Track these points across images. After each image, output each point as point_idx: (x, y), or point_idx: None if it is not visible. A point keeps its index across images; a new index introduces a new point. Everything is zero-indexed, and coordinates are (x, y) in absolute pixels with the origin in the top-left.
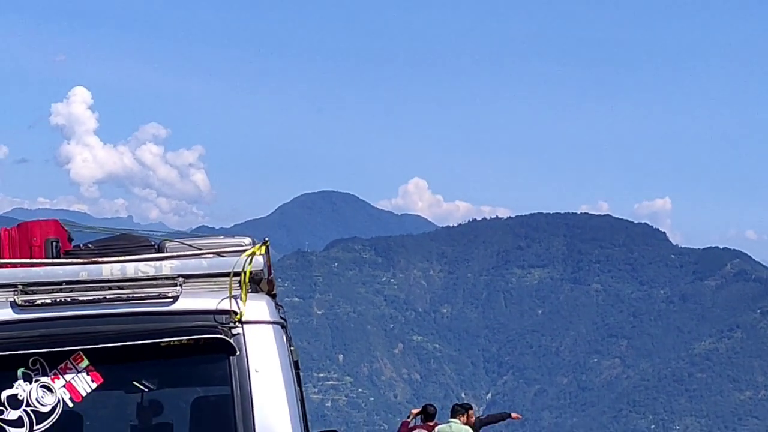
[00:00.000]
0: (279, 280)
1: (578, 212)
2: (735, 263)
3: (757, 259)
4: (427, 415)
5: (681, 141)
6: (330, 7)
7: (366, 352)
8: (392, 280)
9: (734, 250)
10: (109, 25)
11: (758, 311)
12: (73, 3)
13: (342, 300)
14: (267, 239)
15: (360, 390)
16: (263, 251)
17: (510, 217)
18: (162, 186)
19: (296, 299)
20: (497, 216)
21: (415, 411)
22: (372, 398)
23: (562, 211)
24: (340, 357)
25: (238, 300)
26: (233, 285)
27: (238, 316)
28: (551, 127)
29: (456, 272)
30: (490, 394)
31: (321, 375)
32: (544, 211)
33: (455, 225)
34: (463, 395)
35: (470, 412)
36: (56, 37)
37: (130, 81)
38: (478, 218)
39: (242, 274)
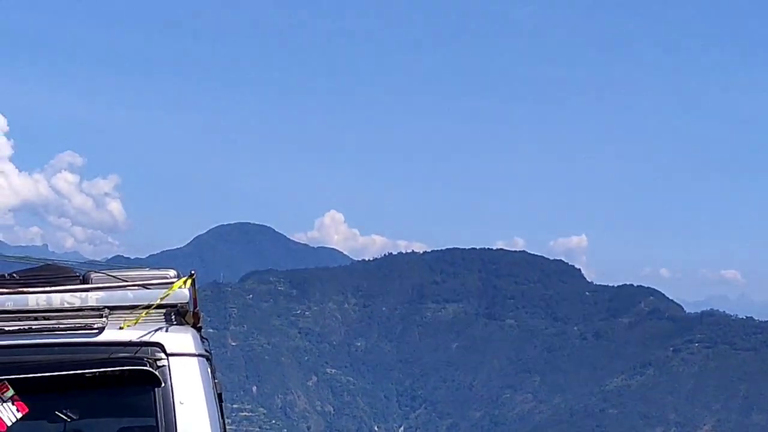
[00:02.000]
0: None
1: (494, 248)
2: (649, 301)
3: (670, 297)
4: None
5: (597, 178)
6: (244, 35)
7: (280, 383)
8: (307, 312)
9: (648, 287)
10: (23, 51)
11: (671, 349)
12: None
13: (256, 332)
14: (193, 272)
15: (273, 421)
16: (189, 284)
17: (426, 251)
18: (77, 214)
19: (211, 330)
20: (413, 250)
21: None
22: (285, 430)
23: (478, 247)
24: (254, 388)
25: (163, 332)
26: (158, 317)
27: (164, 348)
28: (468, 163)
29: (371, 306)
30: (402, 428)
31: (235, 406)
32: (460, 247)
33: (371, 259)
34: (375, 428)
35: None
36: None
37: (46, 108)
38: (395, 252)
39: (167, 307)
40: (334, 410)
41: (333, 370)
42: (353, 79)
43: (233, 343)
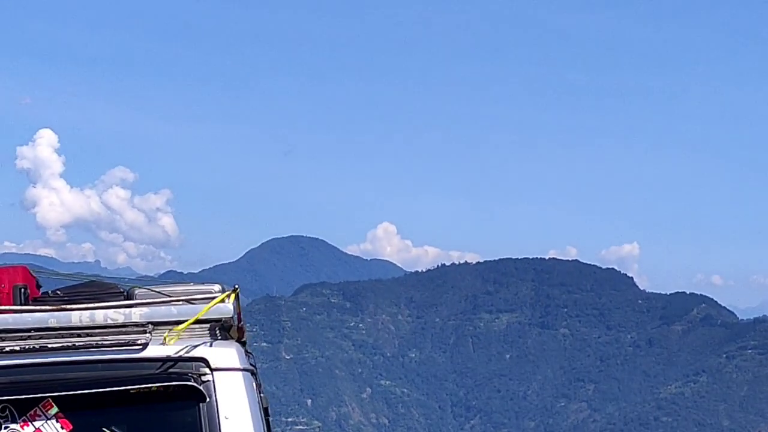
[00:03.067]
0: (247, 324)
1: (546, 257)
2: (701, 308)
3: (723, 304)
4: None
5: (649, 186)
6: (297, 50)
7: (334, 396)
8: (360, 324)
9: (701, 295)
10: (75, 67)
11: (724, 356)
12: (38, 45)
13: (310, 345)
14: (237, 286)
15: None
16: (233, 298)
17: (479, 262)
18: (129, 230)
19: (264, 344)
20: (466, 261)
21: None
22: None
23: (531, 257)
24: (309, 401)
25: (208, 347)
26: (203, 332)
27: (208, 363)
28: (519, 172)
29: (424, 317)
30: None
31: (289, 420)
32: (513, 257)
33: (424, 270)
34: None
35: None
36: (21, 80)
37: (97, 124)
38: (447, 263)
39: (212, 321)
40: (389, 422)
41: (387, 382)
42: (404, 90)
43: (287, 357)
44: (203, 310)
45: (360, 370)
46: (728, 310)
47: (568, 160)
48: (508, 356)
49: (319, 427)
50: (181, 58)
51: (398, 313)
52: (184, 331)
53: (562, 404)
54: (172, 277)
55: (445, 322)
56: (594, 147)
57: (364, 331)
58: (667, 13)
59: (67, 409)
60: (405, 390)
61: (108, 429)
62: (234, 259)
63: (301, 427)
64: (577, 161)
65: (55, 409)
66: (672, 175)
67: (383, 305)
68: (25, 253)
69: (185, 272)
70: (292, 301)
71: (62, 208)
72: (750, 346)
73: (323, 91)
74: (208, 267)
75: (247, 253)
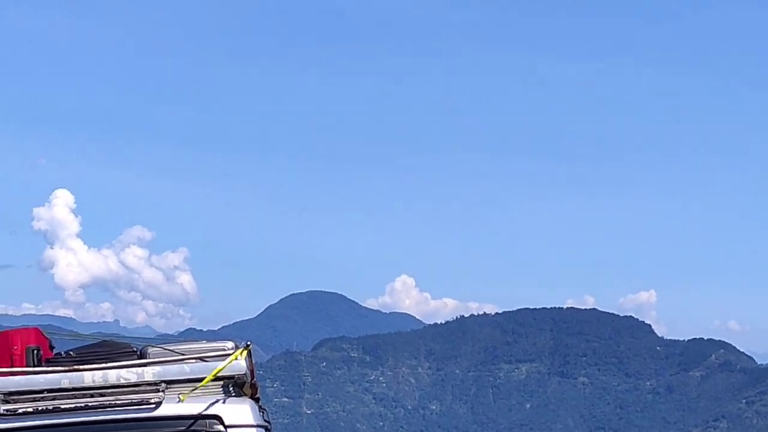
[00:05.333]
0: (268, 380)
1: (564, 307)
2: (719, 354)
3: (741, 350)
4: None
5: (665, 234)
6: (307, 104)
7: None
8: (381, 378)
9: (719, 340)
10: (89, 128)
11: (744, 401)
12: (53, 106)
13: (331, 399)
14: (249, 342)
15: None
16: (245, 355)
17: (497, 313)
18: (148, 289)
19: (285, 399)
20: (484, 312)
21: None
22: None
23: (549, 306)
24: None
25: (221, 404)
26: (216, 389)
27: (222, 421)
28: (535, 223)
29: (444, 369)
30: None
31: None
32: (531, 307)
33: (443, 322)
34: None
35: None
36: (36, 141)
37: (113, 183)
38: (466, 315)
39: (225, 378)
40: None
41: None
42: (417, 145)
43: (308, 411)
44: (219, 368)
45: (381, 424)
46: (747, 355)
47: (586, 211)
48: (528, 406)
49: None
50: (196, 118)
51: (418, 365)
52: (197, 389)
53: None
54: (191, 334)
55: (465, 373)
56: (611, 196)
57: (384, 385)
58: (674, 62)
59: None
60: None
61: None
62: (253, 316)
63: None
64: (592, 210)
65: None
66: (688, 222)
67: (403, 358)
68: (44, 314)
69: (205, 329)
70: (312, 356)
71: (80, 268)
72: None
73: (332, 145)
74: (227, 324)
75: (266, 309)
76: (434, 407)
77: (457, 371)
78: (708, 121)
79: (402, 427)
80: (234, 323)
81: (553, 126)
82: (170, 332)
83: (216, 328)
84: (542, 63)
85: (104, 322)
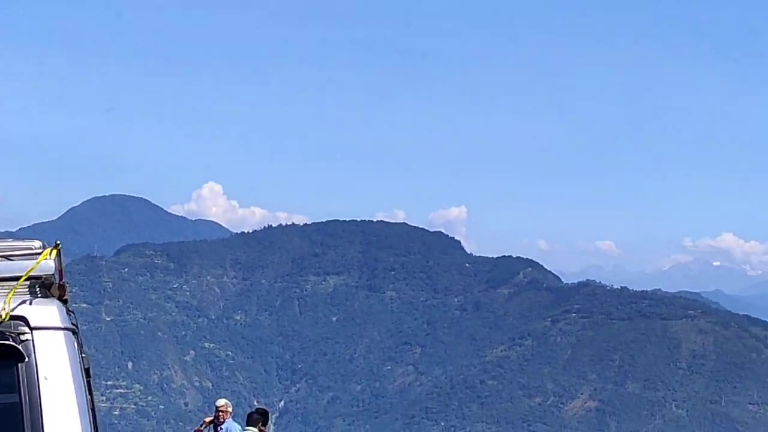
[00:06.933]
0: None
1: (374, 220)
2: (527, 272)
3: (548, 268)
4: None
5: (477, 150)
6: (115, 3)
7: (156, 359)
8: (185, 286)
9: (527, 259)
10: None
11: (549, 320)
12: None
13: (132, 306)
14: (59, 243)
15: (150, 398)
16: (54, 255)
17: (306, 223)
18: None
19: (84, 305)
20: (293, 222)
21: (207, 419)
22: (162, 406)
23: (359, 219)
24: (130, 364)
25: (27, 305)
26: (22, 290)
27: (27, 322)
28: (348, 134)
29: (250, 279)
30: (282, 402)
31: (109, 383)
32: (341, 218)
33: (250, 231)
34: (255, 403)
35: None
36: None
37: None
38: (274, 224)
39: (31, 278)
40: (212, 385)
41: (211, 345)
42: (229, 48)
43: (108, 318)
44: (32, 267)
45: (183, 333)
46: (553, 274)
47: (397, 123)
48: (334, 319)
49: (140, 390)
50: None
51: (224, 274)
52: (1, 289)
53: (389, 367)
54: None
55: (271, 284)
56: (422, 109)
57: (188, 293)
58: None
59: None
60: (230, 353)
61: None
62: (54, 218)
63: (121, 390)
64: (407, 124)
65: None
66: (500, 139)
67: (208, 266)
68: None
69: (2, 230)
70: (114, 261)
71: None
72: (574, 310)
73: (146, 47)
74: (25, 226)
75: (67, 212)
76: (239, 317)
77: (264, 282)
78: (514, 38)
79: (205, 337)
80: (33, 224)
81: (377, 38)
82: None
83: (14, 230)
84: None
85: None
